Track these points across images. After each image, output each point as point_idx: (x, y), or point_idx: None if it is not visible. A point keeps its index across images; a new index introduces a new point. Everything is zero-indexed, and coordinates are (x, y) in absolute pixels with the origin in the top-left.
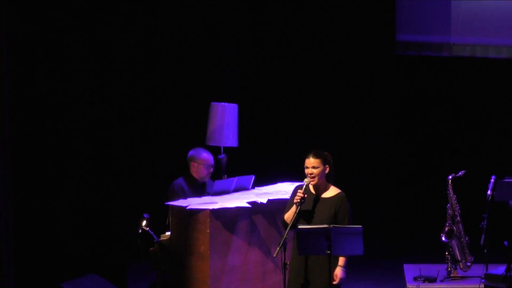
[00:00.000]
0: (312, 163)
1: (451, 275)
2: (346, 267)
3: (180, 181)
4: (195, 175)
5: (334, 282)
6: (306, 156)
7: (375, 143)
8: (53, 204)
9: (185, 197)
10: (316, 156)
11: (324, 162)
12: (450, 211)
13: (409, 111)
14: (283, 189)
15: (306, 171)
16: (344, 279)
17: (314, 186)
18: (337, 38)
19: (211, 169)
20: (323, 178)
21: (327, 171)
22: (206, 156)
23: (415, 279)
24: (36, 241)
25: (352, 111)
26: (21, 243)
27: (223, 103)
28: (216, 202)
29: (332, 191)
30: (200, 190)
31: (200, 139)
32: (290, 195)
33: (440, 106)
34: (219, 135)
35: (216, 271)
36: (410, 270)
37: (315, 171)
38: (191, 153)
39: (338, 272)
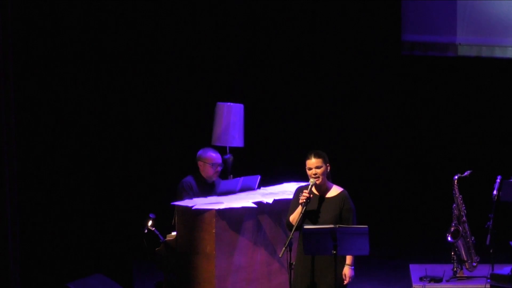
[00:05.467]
0: (315, 164)
1: (457, 275)
2: (354, 265)
3: (189, 179)
4: (203, 174)
5: (345, 282)
6: (306, 157)
7: (381, 143)
8: (59, 204)
9: (193, 195)
10: (317, 156)
11: (325, 161)
12: (456, 211)
13: (414, 111)
14: (288, 189)
15: (309, 172)
16: (353, 278)
17: (316, 186)
18: (342, 38)
19: (218, 168)
20: (325, 177)
21: (328, 169)
22: (212, 154)
23: (421, 279)
24: (42, 241)
25: (357, 111)
26: (27, 243)
27: (229, 103)
28: (222, 202)
29: (334, 190)
30: (208, 190)
31: (206, 139)
32: (292, 197)
33: (446, 106)
34: (225, 135)
35: (222, 271)
36: (416, 270)
37: (319, 170)
38: (199, 152)
39: (347, 271)
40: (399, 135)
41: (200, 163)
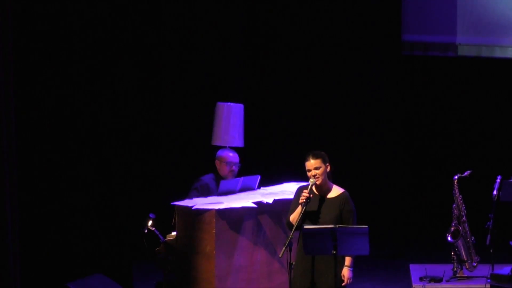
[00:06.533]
0: (313, 165)
1: (457, 275)
2: (352, 266)
3: (207, 178)
4: (220, 173)
5: (344, 283)
6: (305, 159)
7: (381, 143)
8: (59, 204)
9: (206, 194)
10: (315, 156)
11: (324, 161)
12: (456, 211)
13: (414, 111)
14: (288, 189)
15: (309, 173)
16: (352, 279)
17: (317, 186)
18: (342, 38)
19: (233, 167)
20: (325, 178)
21: (328, 169)
22: (229, 154)
23: (421, 279)
24: (42, 241)
25: (357, 111)
26: (27, 243)
27: (229, 103)
28: (222, 202)
29: (335, 191)
30: None
31: (206, 139)
32: (293, 196)
33: (446, 106)
34: (225, 135)
35: (222, 271)
36: (416, 270)
37: (318, 171)
38: (218, 151)
39: (346, 272)
40: (399, 135)
41: (217, 162)
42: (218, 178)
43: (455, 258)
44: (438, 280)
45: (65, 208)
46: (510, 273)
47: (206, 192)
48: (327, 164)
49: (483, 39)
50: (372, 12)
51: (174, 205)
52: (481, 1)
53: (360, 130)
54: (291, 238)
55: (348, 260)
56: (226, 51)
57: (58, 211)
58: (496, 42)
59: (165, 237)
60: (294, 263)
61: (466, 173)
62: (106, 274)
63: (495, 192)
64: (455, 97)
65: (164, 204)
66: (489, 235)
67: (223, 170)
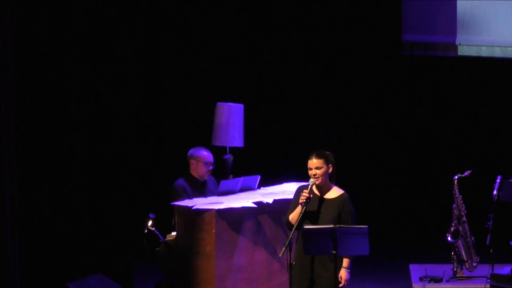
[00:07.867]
0: (315, 164)
1: (457, 275)
2: (350, 268)
3: (181, 182)
4: (194, 173)
5: (341, 285)
6: (308, 157)
7: (381, 143)
8: (59, 204)
9: (187, 197)
10: (318, 156)
11: (327, 161)
12: (456, 211)
13: (414, 111)
14: (288, 189)
15: (310, 172)
16: (349, 281)
17: (317, 186)
18: (343, 38)
19: (210, 167)
20: (326, 178)
21: (330, 170)
22: (204, 153)
23: (421, 279)
24: (42, 241)
25: (357, 111)
26: (27, 243)
27: (229, 103)
28: (222, 202)
29: (335, 192)
30: (200, 189)
31: (206, 139)
32: (293, 196)
33: (446, 106)
34: (225, 135)
35: (222, 271)
36: (416, 270)
37: (318, 171)
38: (190, 151)
39: (343, 274)
40: (399, 135)
41: (192, 162)
42: (191, 178)
43: (455, 258)
44: (438, 280)
45: (65, 208)
46: (510, 273)
47: (186, 195)
48: (330, 165)
49: (483, 39)
50: (372, 12)
51: (174, 205)
52: (481, 1)
53: (360, 130)
54: (291, 238)
55: (345, 262)
56: (226, 51)
57: (58, 211)
58: (496, 42)
59: (165, 237)
60: (294, 263)
61: (466, 173)
62: (106, 274)
63: (495, 192)
64: (455, 97)
65: (164, 204)
66: (489, 235)
67: (200, 170)
